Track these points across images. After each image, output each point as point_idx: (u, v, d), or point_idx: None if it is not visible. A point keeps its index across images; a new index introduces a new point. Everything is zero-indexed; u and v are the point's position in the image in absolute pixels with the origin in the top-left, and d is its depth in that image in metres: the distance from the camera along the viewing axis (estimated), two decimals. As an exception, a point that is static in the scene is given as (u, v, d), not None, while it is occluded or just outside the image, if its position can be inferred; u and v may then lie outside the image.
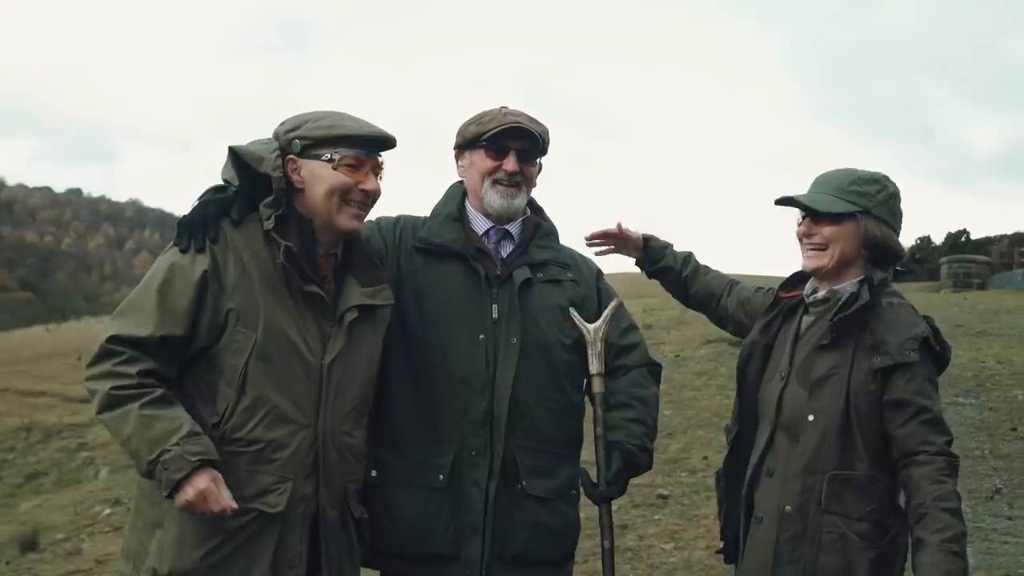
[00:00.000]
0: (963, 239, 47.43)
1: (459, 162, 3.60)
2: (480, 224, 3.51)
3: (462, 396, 3.32)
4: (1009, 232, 49.41)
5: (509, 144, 3.43)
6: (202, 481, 2.78)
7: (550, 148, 3.56)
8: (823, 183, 3.27)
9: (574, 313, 3.39)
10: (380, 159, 3.18)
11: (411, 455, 3.32)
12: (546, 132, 3.51)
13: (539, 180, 3.61)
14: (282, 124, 3.17)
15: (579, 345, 3.45)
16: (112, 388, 2.83)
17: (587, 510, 3.55)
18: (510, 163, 3.42)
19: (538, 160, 3.55)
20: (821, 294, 3.30)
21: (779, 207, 3.34)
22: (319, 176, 3.08)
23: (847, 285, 3.25)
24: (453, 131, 3.53)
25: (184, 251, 2.96)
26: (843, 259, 3.22)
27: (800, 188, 3.31)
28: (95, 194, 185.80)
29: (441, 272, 3.43)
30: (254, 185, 3.07)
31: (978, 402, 12.19)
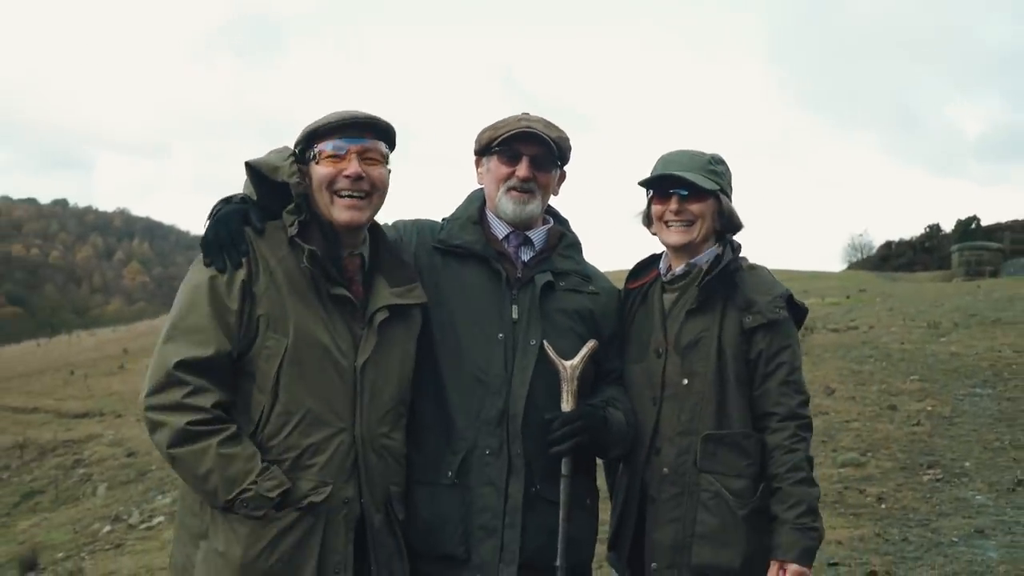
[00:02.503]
0: (973, 226, 47.42)
1: (478, 168, 3.62)
2: (500, 229, 3.53)
3: (477, 394, 3.33)
4: (1020, 217, 49.46)
5: (522, 150, 3.45)
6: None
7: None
8: (683, 164, 3.52)
9: (549, 348, 3.33)
10: (369, 145, 3.16)
11: (427, 452, 3.33)
12: (563, 139, 3.51)
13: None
14: None
15: (596, 354, 3.43)
16: (188, 423, 2.84)
17: (602, 515, 3.57)
18: (522, 169, 3.43)
19: (556, 168, 3.56)
20: (679, 269, 3.56)
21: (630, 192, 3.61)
22: (312, 175, 3.14)
23: (703, 256, 3.54)
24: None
25: (222, 271, 2.98)
26: (707, 233, 3.53)
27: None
28: (81, 204, 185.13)
29: (461, 272, 3.45)
30: (273, 196, 3.10)
31: (995, 392, 12.21)
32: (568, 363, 3.32)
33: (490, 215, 3.55)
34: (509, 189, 3.45)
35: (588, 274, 3.58)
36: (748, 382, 3.38)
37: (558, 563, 3.25)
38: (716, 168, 3.53)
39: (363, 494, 3.07)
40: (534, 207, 3.48)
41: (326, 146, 3.12)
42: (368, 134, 3.17)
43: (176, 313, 3.00)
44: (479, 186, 3.65)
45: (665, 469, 3.37)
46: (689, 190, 3.46)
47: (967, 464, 9.44)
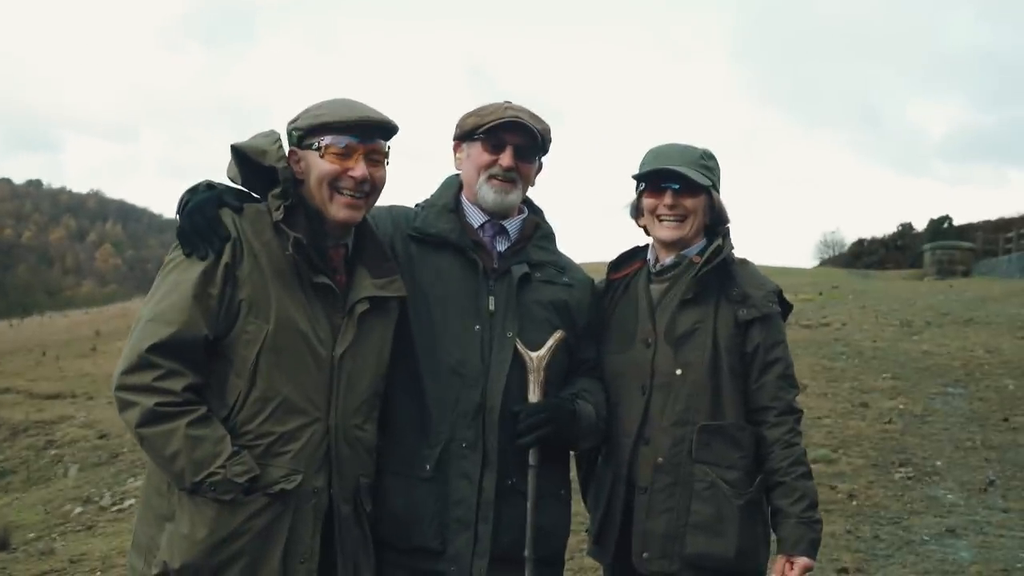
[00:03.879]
0: (945, 225, 47.70)
1: (456, 153, 3.57)
2: (476, 217, 3.49)
3: (454, 386, 3.31)
4: (992, 218, 49.87)
5: (507, 139, 3.41)
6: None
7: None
8: (676, 158, 3.52)
9: (517, 339, 3.34)
10: (376, 145, 3.14)
11: (402, 443, 3.31)
12: (547, 130, 3.49)
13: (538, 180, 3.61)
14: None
15: (570, 346, 3.45)
16: (157, 404, 2.81)
17: (575, 506, 3.57)
18: (506, 158, 3.40)
19: (537, 158, 3.54)
20: (669, 260, 3.56)
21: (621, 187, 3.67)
22: (311, 165, 3.09)
23: (693, 248, 3.56)
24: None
25: (203, 259, 2.92)
26: (699, 229, 3.56)
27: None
28: (54, 186, 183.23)
29: (436, 262, 3.41)
30: (259, 180, 3.06)
31: (967, 392, 12.30)
32: (534, 354, 3.32)
33: (466, 203, 3.51)
34: (491, 177, 3.41)
35: (563, 265, 3.57)
36: (742, 375, 3.40)
37: (526, 554, 3.25)
38: (708, 163, 3.53)
39: (333, 485, 3.05)
40: (515, 196, 3.45)
41: (333, 140, 3.06)
42: (375, 134, 3.13)
43: (156, 295, 2.95)
44: (455, 172, 3.61)
45: (660, 459, 3.37)
46: (682, 184, 3.46)
47: (939, 463, 9.50)
